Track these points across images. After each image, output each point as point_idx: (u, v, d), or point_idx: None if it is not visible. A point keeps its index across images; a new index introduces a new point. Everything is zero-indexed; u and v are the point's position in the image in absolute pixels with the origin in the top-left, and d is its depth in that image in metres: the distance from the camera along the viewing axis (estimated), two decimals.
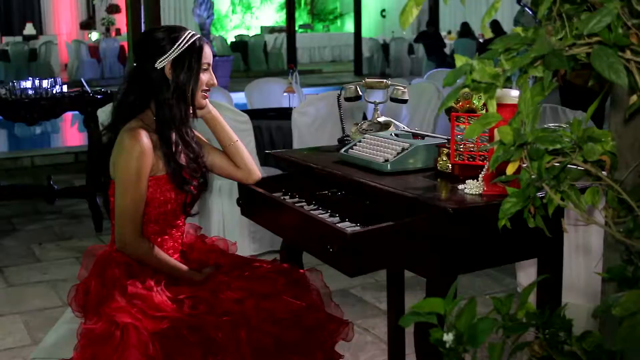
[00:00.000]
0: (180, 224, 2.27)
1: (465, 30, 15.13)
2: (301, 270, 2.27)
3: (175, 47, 2.15)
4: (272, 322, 2.02)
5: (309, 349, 2.05)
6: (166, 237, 2.22)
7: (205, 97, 2.23)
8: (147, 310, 1.98)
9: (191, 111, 2.21)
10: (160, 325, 1.95)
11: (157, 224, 2.19)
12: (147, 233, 2.17)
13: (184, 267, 2.21)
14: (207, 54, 2.20)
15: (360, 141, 2.25)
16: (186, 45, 2.16)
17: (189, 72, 2.15)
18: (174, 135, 2.17)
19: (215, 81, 2.23)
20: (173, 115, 2.15)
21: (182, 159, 2.19)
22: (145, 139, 2.10)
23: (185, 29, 2.21)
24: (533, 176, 1.12)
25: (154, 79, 2.15)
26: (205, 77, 2.20)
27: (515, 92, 1.76)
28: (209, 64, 2.21)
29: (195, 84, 2.17)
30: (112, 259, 2.16)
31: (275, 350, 2.00)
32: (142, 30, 5.90)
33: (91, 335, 1.96)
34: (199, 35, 2.22)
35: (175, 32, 2.19)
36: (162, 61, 2.14)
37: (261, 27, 22.42)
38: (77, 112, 5.26)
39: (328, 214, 2.03)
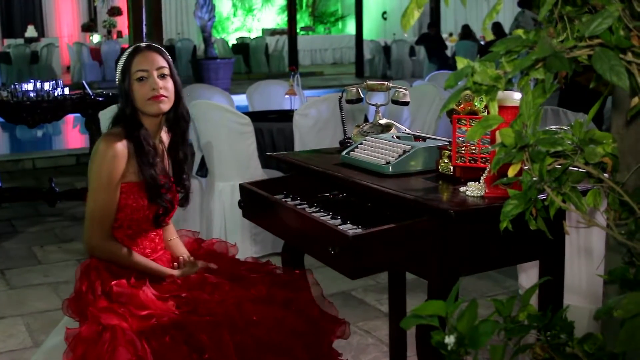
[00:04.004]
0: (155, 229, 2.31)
1: (467, 33, 15.13)
2: (296, 271, 2.27)
3: (119, 64, 2.24)
4: (255, 325, 2.03)
5: (295, 351, 2.06)
6: (139, 239, 2.26)
7: (154, 101, 2.20)
8: (134, 310, 2.00)
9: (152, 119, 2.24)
10: (147, 323, 1.96)
11: (130, 228, 2.23)
12: (120, 237, 2.21)
13: (156, 264, 2.24)
14: (139, 62, 2.21)
15: (361, 143, 2.25)
16: (124, 59, 2.23)
17: (123, 82, 2.22)
18: (147, 145, 2.20)
19: (157, 87, 2.19)
20: (131, 123, 2.21)
21: (157, 170, 2.22)
22: (119, 144, 2.15)
23: (143, 43, 2.30)
24: (535, 178, 1.12)
25: (119, 89, 2.25)
26: (138, 88, 2.20)
27: (516, 95, 1.76)
28: (143, 71, 2.20)
29: (135, 95, 2.21)
30: (93, 266, 2.20)
31: (259, 351, 2.01)
32: (144, 33, 5.91)
33: (78, 338, 1.97)
34: (141, 45, 2.26)
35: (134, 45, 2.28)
36: (117, 77, 2.24)
37: (262, 30, 22.42)
38: (78, 115, 5.26)
39: (329, 216, 2.03)
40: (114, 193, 2.15)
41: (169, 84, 2.23)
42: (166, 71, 2.22)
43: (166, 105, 2.22)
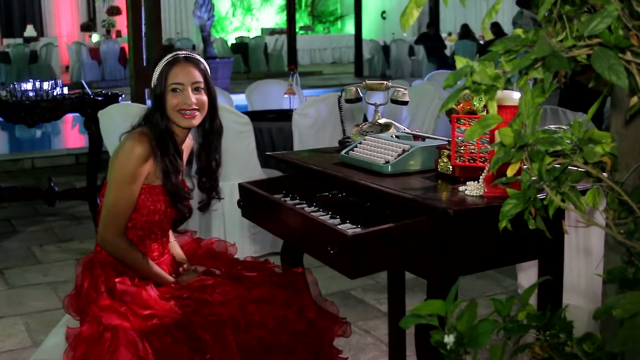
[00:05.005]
0: (166, 234, 2.32)
1: (466, 32, 15.13)
2: (295, 270, 2.27)
3: (156, 68, 2.21)
4: (257, 325, 2.03)
5: (297, 350, 2.06)
6: (148, 241, 2.25)
7: (185, 117, 2.20)
8: (136, 309, 2.00)
9: (178, 129, 2.23)
10: (149, 323, 1.96)
11: (142, 230, 2.23)
12: (130, 238, 2.21)
13: (161, 271, 2.22)
14: (176, 74, 2.19)
15: (360, 143, 2.25)
16: (161, 66, 2.20)
17: (157, 87, 2.19)
18: (174, 153, 2.20)
19: (189, 102, 2.18)
20: (165, 131, 2.19)
21: (180, 178, 2.23)
22: (147, 146, 2.14)
23: (179, 49, 2.25)
24: (534, 178, 1.12)
25: (152, 92, 2.23)
26: (171, 98, 2.19)
27: (515, 94, 1.76)
28: (178, 84, 2.19)
29: (166, 104, 2.19)
30: (97, 261, 2.19)
31: (262, 351, 2.01)
32: (143, 33, 5.90)
33: (79, 337, 1.97)
34: (180, 54, 2.22)
35: (168, 51, 2.24)
36: (153, 80, 2.21)
37: (262, 29, 22.42)
38: (77, 114, 5.26)
39: (329, 215, 2.03)
40: (135, 191, 2.15)
41: (204, 97, 2.21)
42: (201, 85, 2.21)
43: (197, 120, 2.22)
